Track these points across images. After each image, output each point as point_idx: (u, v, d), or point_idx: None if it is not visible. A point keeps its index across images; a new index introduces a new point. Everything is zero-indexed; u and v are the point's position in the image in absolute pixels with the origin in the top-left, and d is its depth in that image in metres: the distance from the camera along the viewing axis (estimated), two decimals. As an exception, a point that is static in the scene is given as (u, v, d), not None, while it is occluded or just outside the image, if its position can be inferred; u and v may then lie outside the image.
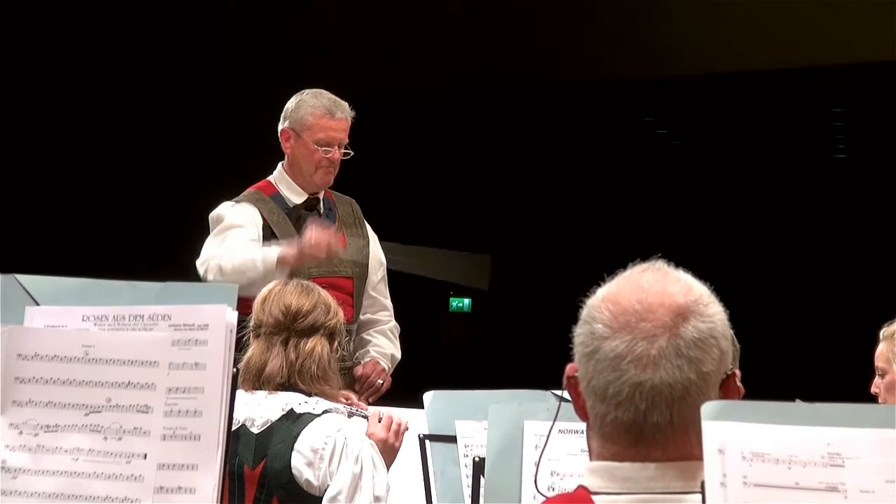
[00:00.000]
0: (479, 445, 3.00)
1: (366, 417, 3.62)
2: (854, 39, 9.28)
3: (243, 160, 9.91)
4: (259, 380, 3.56)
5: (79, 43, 10.35)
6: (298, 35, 10.85)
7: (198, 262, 4.68)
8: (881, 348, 4.20)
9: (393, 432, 3.60)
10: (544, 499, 2.05)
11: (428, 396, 3.35)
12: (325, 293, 3.71)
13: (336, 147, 4.81)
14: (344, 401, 3.69)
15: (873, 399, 4.17)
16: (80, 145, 10.44)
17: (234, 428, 3.47)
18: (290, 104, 4.88)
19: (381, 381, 4.84)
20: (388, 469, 3.52)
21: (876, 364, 4.21)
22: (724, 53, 9.89)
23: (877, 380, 4.20)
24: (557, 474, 2.67)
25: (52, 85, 10.25)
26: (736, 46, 9.75)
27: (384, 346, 4.97)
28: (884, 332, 4.21)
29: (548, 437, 2.22)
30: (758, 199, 13.02)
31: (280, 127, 4.88)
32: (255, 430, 3.51)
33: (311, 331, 3.58)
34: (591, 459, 1.91)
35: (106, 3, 10.49)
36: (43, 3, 10.25)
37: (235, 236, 4.69)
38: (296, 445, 3.47)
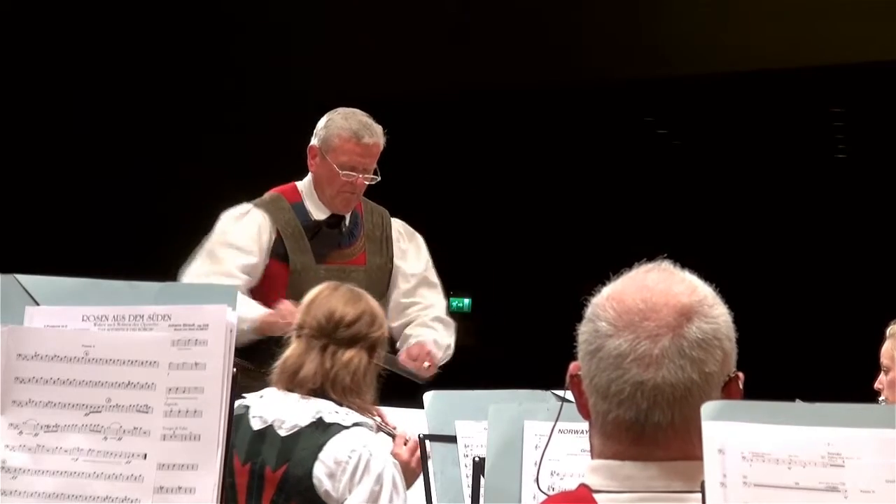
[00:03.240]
0: (479, 445, 2.99)
1: (392, 436, 3.59)
2: (854, 39, 9.28)
3: (246, 161, 9.91)
4: (293, 381, 3.54)
5: (81, 42, 10.35)
6: (305, 36, 10.85)
7: (183, 276, 4.54)
8: (887, 346, 4.20)
9: (416, 458, 3.57)
10: (545, 498, 2.05)
11: (428, 396, 3.35)
12: (373, 302, 3.66)
13: (360, 173, 4.61)
14: (375, 415, 3.65)
15: (876, 395, 4.18)
16: (81, 146, 10.44)
17: (261, 427, 3.49)
18: (321, 122, 4.70)
19: (427, 364, 4.58)
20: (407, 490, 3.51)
21: (881, 361, 4.21)
22: (725, 53, 9.89)
23: (881, 376, 4.20)
24: (557, 474, 2.67)
25: (52, 85, 10.25)
26: (736, 46, 9.75)
27: (423, 335, 4.74)
28: (890, 329, 4.21)
29: (550, 436, 2.22)
30: (758, 199, 13.02)
31: (310, 143, 4.69)
32: (281, 433, 3.48)
33: (352, 341, 3.55)
34: (592, 458, 1.91)
35: (109, 1, 10.49)
36: (45, 3, 10.26)
37: (226, 261, 4.56)
38: (320, 455, 3.44)
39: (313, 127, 4.78)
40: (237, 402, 3.58)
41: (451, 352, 4.81)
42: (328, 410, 3.49)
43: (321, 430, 3.47)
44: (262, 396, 3.60)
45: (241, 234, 4.63)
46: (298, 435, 3.48)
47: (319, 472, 3.44)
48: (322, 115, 4.78)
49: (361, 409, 3.54)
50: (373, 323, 3.59)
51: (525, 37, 10.42)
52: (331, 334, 3.54)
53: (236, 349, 2.15)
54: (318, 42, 10.81)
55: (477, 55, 10.52)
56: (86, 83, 10.40)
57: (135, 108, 10.59)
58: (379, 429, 3.56)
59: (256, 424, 3.53)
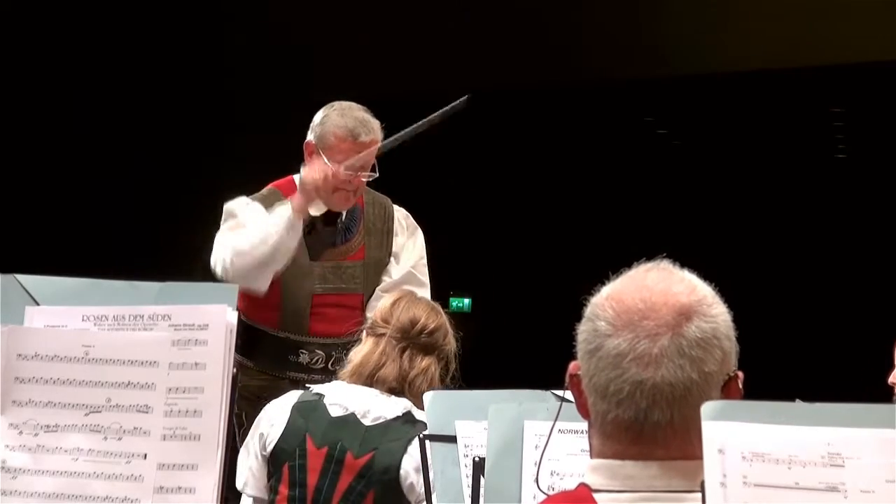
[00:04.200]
0: (479, 445, 2.99)
1: None
2: (854, 39, 9.28)
3: (246, 160, 9.91)
4: (372, 378, 3.63)
5: (81, 41, 10.35)
6: (306, 35, 10.85)
7: (212, 259, 4.47)
8: None
9: None
10: (545, 497, 2.05)
11: (428, 396, 3.35)
12: (445, 317, 3.78)
13: (357, 171, 4.49)
14: None
15: (890, 390, 4.18)
16: (81, 145, 10.44)
17: (342, 414, 3.57)
18: (318, 117, 4.57)
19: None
20: None
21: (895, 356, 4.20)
22: (725, 53, 9.89)
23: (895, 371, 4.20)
24: (557, 474, 2.67)
25: (52, 85, 10.25)
26: (736, 46, 9.75)
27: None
28: None
29: (549, 436, 2.22)
30: (758, 199, 13.03)
31: (307, 138, 4.58)
32: (366, 422, 3.57)
33: (429, 349, 3.68)
34: (591, 457, 1.91)
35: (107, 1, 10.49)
36: (46, 3, 10.26)
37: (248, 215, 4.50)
38: (409, 448, 3.52)
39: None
40: (303, 392, 3.71)
41: None
42: (416, 408, 3.59)
43: (410, 425, 3.56)
44: (333, 387, 3.70)
45: (251, 218, 4.54)
46: (386, 426, 3.57)
47: (407, 464, 3.52)
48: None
49: None
50: (447, 335, 3.75)
51: (525, 37, 10.41)
52: (412, 339, 3.67)
53: (240, 344, 2.15)
54: (318, 41, 10.80)
55: (477, 55, 10.52)
56: (85, 83, 10.40)
57: (134, 108, 10.59)
58: None
59: (336, 412, 3.62)
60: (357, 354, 3.69)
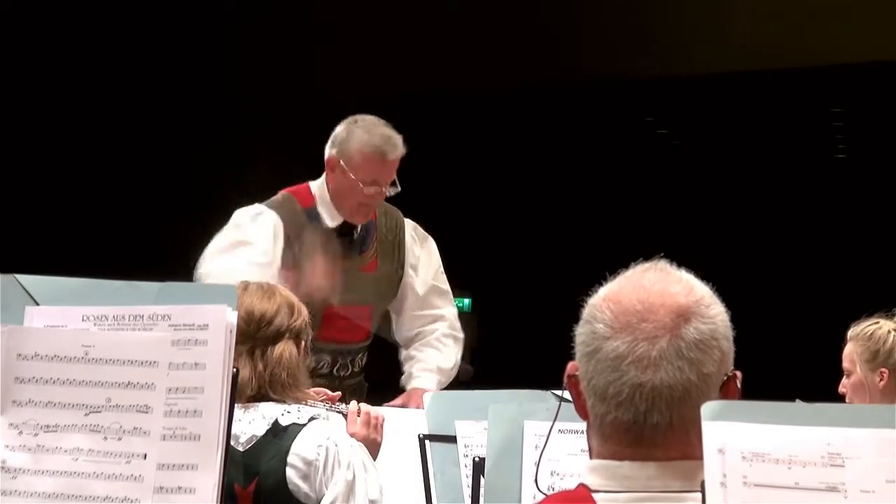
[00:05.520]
0: (479, 445, 2.99)
1: (342, 414, 3.54)
2: (854, 39, 9.28)
3: (248, 161, 9.91)
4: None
5: (84, 40, 10.34)
6: (307, 35, 10.85)
7: (200, 268, 4.40)
8: (848, 349, 4.22)
9: (373, 427, 3.53)
10: (544, 497, 2.05)
11: (428, 396, 3.35)
12: (285, 292, 3.54)
13: (382, 185, 4.46)
14: (315, 397, 3.57)
15: (841, 400, 4.18)
16: (81, 145, 10.44)
17: None
18: (341, 132, 4.50)
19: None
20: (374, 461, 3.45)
21: (843, 364, 4.23)
22: (724, 53, 9.89)
23: (844, 380, 4.22)
24: (557, 474, 2.67)
25: (53, 84, 10.25)
26: (736, 46, 9.75)
27: (427, 360, 4.64)
28: (850, 332, 4.24)
29: (548, 436, 2.22)
30: (758, 199, 13.02)
31: (327, 152, 4.51)
32: (240, 448, 3.37)
33: (277, 336, 3.43)
34: (590, 458, 1.91)
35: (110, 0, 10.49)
36: (45, 2, 10.26)
37: (242, 258, 4.39)
38: (288, 459, 3.35)
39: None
40: None
41: (455, 370, 4.72)
42: (279, 412, 3.40)
43: (281, 435, 3.37)
44: None
45: (256, 233, 4.49)
46: (260, 446, 3.37)
47: (293, 476, 3.35)
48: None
49: (303, 400, 3.44)
50: (291, 312, 3.48)
51: (525, 37, 10.42)
52: (254, 335, 3.42)
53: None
54: (320, 41, 10.80)
55: (476, 55, 10.52)
56: (87, 82, 10.40)
57: (136, 108, 10.59)
58: (330, 409, 3.50)
59: None
60: None
